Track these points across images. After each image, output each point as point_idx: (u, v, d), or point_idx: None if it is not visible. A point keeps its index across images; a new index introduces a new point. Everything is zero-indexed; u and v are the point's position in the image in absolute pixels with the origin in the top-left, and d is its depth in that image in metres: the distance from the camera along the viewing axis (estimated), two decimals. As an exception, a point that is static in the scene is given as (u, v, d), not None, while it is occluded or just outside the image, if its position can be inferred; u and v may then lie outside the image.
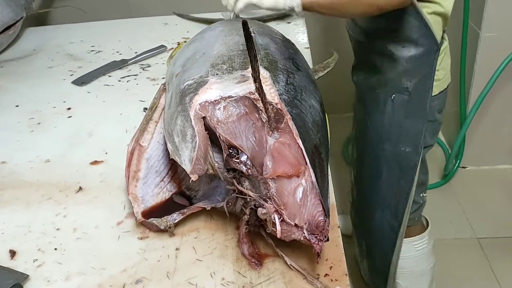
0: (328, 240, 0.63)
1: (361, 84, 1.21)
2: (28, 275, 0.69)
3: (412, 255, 1.30)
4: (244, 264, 0.68)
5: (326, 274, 0.66)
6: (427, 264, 1.35)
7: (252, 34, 0.85)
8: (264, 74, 0.73)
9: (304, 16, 1.08)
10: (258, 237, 0.71)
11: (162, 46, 1.38)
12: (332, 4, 0.96)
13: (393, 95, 1.08)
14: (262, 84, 0.71)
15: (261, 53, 0.78)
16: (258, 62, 0.76)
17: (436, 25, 1.03)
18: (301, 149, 0.65)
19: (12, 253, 0.73)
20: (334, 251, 0.68)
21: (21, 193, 0.86)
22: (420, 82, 1.06)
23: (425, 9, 1.01)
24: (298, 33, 1.40)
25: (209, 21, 1.46)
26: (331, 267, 0.66)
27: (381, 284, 1.33)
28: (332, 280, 0.65)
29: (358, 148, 1.29)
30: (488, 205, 1.97)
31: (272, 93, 0.70)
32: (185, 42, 1.34)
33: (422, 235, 1.32)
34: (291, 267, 0.66)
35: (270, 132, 0.67)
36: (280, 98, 0.69)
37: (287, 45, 0.88)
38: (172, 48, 1.39)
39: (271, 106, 0.68)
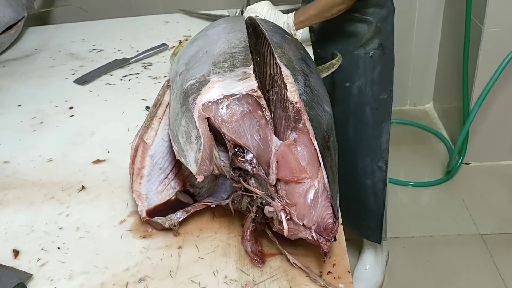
0: (335, 240, 0.64)
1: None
2: (31, 275, 0.69)
3: None
4: (246, 262, 0.68)
5: (329, 272, 0.66)
6: None
7: (265, 32, 0.83)
8: (285, 71, 0.72)
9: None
10: (261, 236, 0.71)
11: (164, 44, 1.38)
12: (317, 16, 1.18)
13: (371, 53, 1.31)
14: (285, 82, 0.70)
15: (278, 51, 0.77)
16: (277, 59, 0.74)
17: None
18: (317, 150, 0.65)
19: (16, 253, 0.73)
20: (337, 248, 0.68)
21: (23, 193, 0.86)
22: (388, 37, 1.32)
23: None
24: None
25: (213, 18, 1.46)
26: (334, 264, 0.66)
27: (378, 224, 1.49)
28: (335, 278, 0.65)
29: (339, 112, 1.44)
30: (492, 201, 1.97)
31: (292, 92, 0.69)
32: (186, 40, 1.33)
33: None
34: (294, 265, 0.66)
35: (288, 131, 0.67)
36: (300, 98, 0.68)
37: (298, 45, 0.87)
38: (174, 46, 1.39)
39: (291, 105, 0.68)
